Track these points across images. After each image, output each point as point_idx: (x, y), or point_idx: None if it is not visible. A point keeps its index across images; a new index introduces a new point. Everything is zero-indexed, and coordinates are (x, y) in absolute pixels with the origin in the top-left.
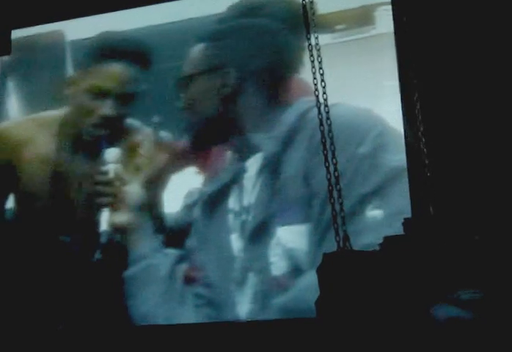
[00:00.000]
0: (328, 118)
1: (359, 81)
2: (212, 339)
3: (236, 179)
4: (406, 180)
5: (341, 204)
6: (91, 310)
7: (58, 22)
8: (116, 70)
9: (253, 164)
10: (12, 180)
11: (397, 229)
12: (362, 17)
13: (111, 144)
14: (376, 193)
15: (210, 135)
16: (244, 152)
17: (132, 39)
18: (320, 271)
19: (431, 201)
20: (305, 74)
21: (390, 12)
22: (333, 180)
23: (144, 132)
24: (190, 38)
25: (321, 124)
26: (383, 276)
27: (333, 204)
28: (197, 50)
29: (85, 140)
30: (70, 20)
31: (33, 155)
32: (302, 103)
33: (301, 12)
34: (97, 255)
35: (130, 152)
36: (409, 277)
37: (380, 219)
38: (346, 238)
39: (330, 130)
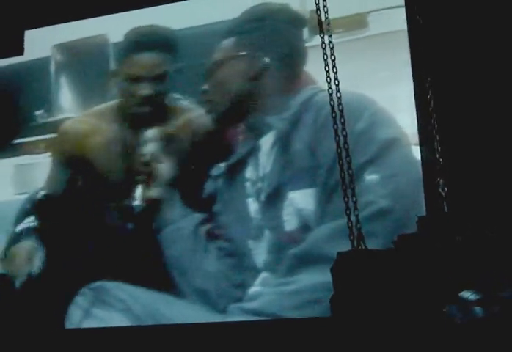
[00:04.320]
0: (342, 122)
1: (372, 79)
2: (228, 339)
3: (252, 153)
4: (396, 148)
5: (355, 202)
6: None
7: (68, 22)
8: (145, 58)
9: (267, 141)
10: (82, 165)
11: (390, 189)
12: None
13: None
14: (372, 161)
15: (233, 115)
16: (259, 130)
17: (158, 31)
18: (335, 270)
19: (445, 199)
20: (310, 67)
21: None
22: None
23: (186, 116)
24: (212, 37)
25: (335, 122)
26: (397, 274)
27: (347, 203)
28: (227, 40)
29: (136, 117)
30: (113, 25)
31: (99, 141)
32: (307, 90)
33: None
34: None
35: (171, 134)
36: (423, 275)
37: (376, 182)
38: (361, 237)
39: (346, 142)
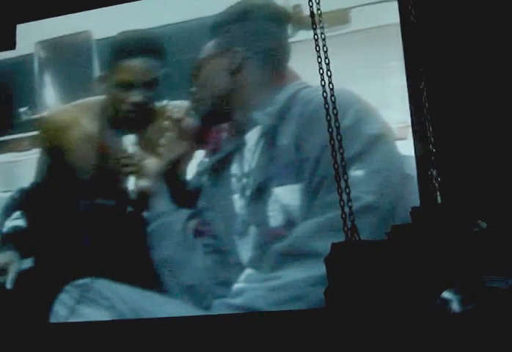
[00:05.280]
0: (335, 113)
1: (356, 74)
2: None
3: (238, 149)
4: (381, 144)
5: (348, 194)
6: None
7: (61, 15)
8: (136, 64)
9: (252, 136)
10: (60, 157)
11: (374, 185)
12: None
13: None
14: (357, 158)
15: (218, 112)
16: (245, 126)
17: (147, 36)
18: (329, 261)
19: (439, 190)
20: (293, 62)
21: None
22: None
23: (172, 116)
24: (198, 32)
25: (328, 114)
26: (391, 265)
27: (341, 195)
28: (211, 40)
29: (122, 120)
30: (96, 21)
31: (78, 134)
32: (293, 86)
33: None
34: (128, 209)
35: (157, 133)
36: (417, 266)
37: (361, 177)
38: (354, 229)
39: (339, 133)
